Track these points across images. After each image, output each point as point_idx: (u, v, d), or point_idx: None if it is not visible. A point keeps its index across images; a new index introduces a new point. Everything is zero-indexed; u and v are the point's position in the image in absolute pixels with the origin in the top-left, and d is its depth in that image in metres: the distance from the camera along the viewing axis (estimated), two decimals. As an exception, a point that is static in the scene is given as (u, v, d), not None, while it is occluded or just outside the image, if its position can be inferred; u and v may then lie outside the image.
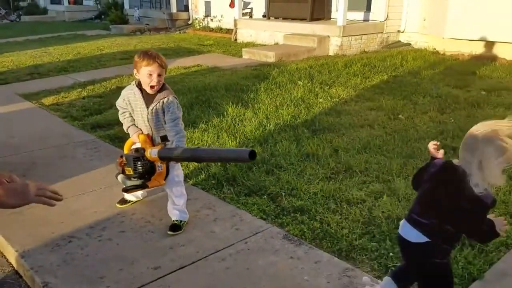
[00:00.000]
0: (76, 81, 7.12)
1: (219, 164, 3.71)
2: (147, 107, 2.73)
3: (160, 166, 2.65)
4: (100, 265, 2.51)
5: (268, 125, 4.65)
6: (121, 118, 2.91)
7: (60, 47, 10.58)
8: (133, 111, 2.82)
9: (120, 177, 2.68)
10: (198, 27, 13.55)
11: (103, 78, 7.12)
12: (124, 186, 2.67)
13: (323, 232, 2.81)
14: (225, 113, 5.01)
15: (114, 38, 12.38)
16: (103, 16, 17.76)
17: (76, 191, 3.42)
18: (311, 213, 3.00)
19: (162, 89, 2.74)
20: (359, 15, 10.04)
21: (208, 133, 4.42)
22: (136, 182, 2.61)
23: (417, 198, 1.99)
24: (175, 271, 2.46)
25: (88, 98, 6.10)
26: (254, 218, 2.97)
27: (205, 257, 2.57)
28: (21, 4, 21.91)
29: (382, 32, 9.78)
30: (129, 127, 2.85)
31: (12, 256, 2.65)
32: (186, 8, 14.60)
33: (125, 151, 2.84)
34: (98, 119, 5.11)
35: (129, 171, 2.60)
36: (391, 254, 2.57)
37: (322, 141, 4.20)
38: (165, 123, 2.75)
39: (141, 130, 2.83)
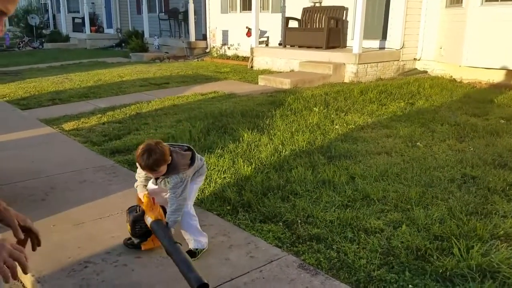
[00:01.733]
0: (97, 107, 7.27)
1: (235, 189, 3.71)
2: (156, 180, 2.81)
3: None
4: (115, 292, 2.49)
5: (283, 151, 4.66)
6: (136, 174, 2.96)
7: (81, 74, 10.87)
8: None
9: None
10: (215, 55, 13.82)
11: (123, 105, 7.27)
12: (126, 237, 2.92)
13: (340, 262, 2.75)
14: (240, 138, 5.04)
15: (134, 65, 12.68)
16: (123, 44, 18.25)
17: (94, 215, 3.44)
18: (328, 242, 2.96)
19: (169, 166, 2.70)
20: (375, 43, 10.13)
21: (224, 158, 4.43)
22: (134, 240, 2.88)
23: None
24: (189, 299, 2.43)
25: (107, 124, 6.21)
26: (269, 246, 2.94)
27: (220, 285, 2.54)
28: (44, 31, 22.68)
29: (398, 60, 9.82)
30: (137, 186, 2.93)
31: (28, 281, 2.66)
32: (204, 37, 14.95)
33: (136, 200, 2.94)
34: (117, 144, 5.19)
35: (128, 228, 2.83)
36: (410, 286, 2.50)
37: (338, 168, 4.17)
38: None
39: (146, 190, 2.88)
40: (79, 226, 3.28)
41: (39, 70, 11.95)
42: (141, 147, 2.66)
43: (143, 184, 2.91)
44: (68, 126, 6.20)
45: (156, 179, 2.79)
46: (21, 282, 2.74)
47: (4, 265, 1.21)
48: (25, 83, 9.54)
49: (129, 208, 2.91)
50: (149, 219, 2.71)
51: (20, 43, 19.40)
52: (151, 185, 2.98)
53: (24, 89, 8.90)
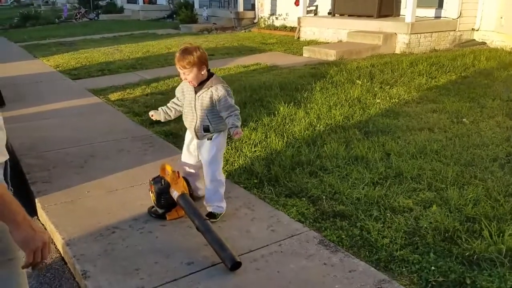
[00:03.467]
0: (142, 78, 7.44)
1: (263, 163, 3.70)
2: (195, 94, 2.86)
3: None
4: (137, 257, 2.59)
5: (318, 125, 4.55)
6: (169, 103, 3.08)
7: (131, 45, 11.12)
8: (184, 99, 2.96)
9: (151, 196, 3.00)
10: (263, 25, 13.62)
11: (167, 76, 7.38)
12: (150, 206, 3.02)
13: (362, 240, 2.69)
14: (276, 112, 4.98)
15: (182, 37, 12.79)
16: (174, 15, 18.40)
17: (127, 183, 3.57)
18: (352, 219, 2.89)
19: (208, 78, 2.84)
20: (430, 12, 9.53)
21: (257, 131, 4.41)
22: (159, 210, 2.95)
23: None
24: (207, 268, 2.48)
25: (151, 95, 6.35)
26: (291, 221, 2.92)
27: (238, 256, 2.56)
28: (100, 3, 23.32)
29: (454, 30, 9.21)
30: (162, 108, 3.06)
31: (59, 243, 2.83)
32: (252, 7, 14.73)
33: (160, 171, 3.04)
34: (157, 115, 5.29)
35: (153, 199, 2.91)
36: (433, 268, 2.40)
37: (373, 144, 4.03)
38: (220, 111, 2.83)
39: (163, 115, 3.02)
40: (111, 193, 3.41)
41: (93, 41, 12.35)
42: (180, 49, 2.84)
43: (167, 109, 3.03)
44: (113, 96, 6.40)
45: (196, 92, 2.83)
46: (54, 243, 2.92)
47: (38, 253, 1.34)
48: (78, 54, 9.92)
49: (153, 179, 2.98)
50: (175, 193, 2.79)
51: (77, 14, 20.09)
52: (185, 157, 3.06)
53: (76, 59, 9.26)
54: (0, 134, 1.38)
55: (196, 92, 2.86)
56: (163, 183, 2.89)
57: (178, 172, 2.92)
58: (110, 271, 2.47)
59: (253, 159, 3.81)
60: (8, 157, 1.41)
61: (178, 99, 3.03)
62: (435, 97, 5.56)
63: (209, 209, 2.99)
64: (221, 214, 2.99)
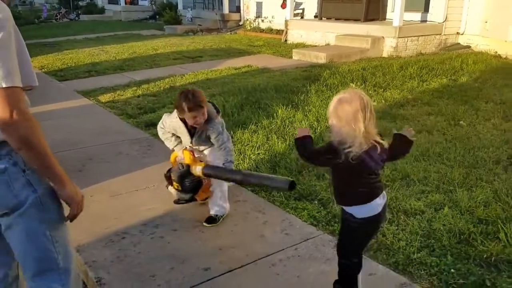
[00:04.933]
0: (132, 79, 7.32)
1: (269, 166, 3.66)
2: (191, 137, 2.83)
3: (205, 179, 2.79)
4: (151, 263, 2.52)
5: (318, 128, 4.54)
6: (163, 137, 2.97)
7: (116, 46, 10.94)
8: (180, 135, 2.91)
9: (170, 188, 2.88)
10: (249, 27, 13.60)
11: (157, 78, 7.27)
12: (175, 198, 2.88)
13: (378, 243, 2.68)
14: (274, 114, 4.95)
15: (168, 38, 12.66)
16: (157, 17, 18.22)
17: (130, 187, 3.48)
18: (365, 222, 2.87)
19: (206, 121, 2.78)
20: (416, 16, 9.68)
21: (258, 134, 4.37)
22: (184, 196, 2.83)
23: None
24: (224, 273, 2.43)
25: (142, 97, 6.24)
26: (304, 224, 2.89)
27: (255, 261, 2.52)
28: (80, 3, 22.91)
29: (440, 34, 9.38)
30: (175, 146, 2.94)
31: (68, 249, 2.72)
32: (238, 9, 14.71)
33: (172, 161, 2.94)
34: (152, 117, 5.20)
35: (178, 186, 2.80)
36: (452, 270, 2.41)
37: (376, 147, 4.03)
38: (214, 144, 2.85)
39: (185, 146, 2.90)
40: (116, 198, 3.32)
41: (76, 41, 12.10)
42: (180, 93, 2.73)
43: (178, 143, 2.92)
44: (104, 98, 6.27)
45: (192, 135, 2.80)
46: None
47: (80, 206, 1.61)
48: (63, 55, 9.69)
49: (167, 171, 2.87)
50: (198, 168, 2.68)
51: (57, 14, 19.67)
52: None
53: (61, 60, 9.04)
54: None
55: (191, 137, 2.82)
56: (181, 167, 2.78)
57: (191, 151, 2.85)
58: (125, 278, 2.39)
59: (258, 162, 3.77)
60: None
61: (172, 132, 2.90)
62: (429, 100, 5.63)
63: (212, 212, 2.94)
64: (222, 216, 2.95)
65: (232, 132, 4.43)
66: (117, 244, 2.70)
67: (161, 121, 2.94)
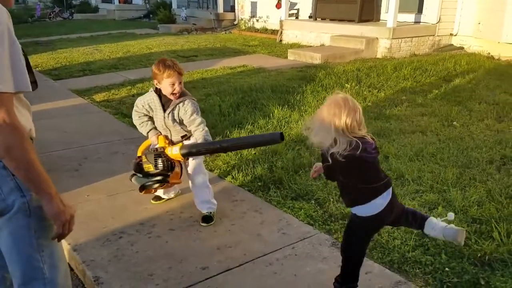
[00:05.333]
0: (126, 78, 7.30)
1: (266, 166, 3.68)
2: (164, 111, 2.81)
3: (177, 166, 2.78)
4: (149, 262, 2.53)
5: (315, 128, 4.57)
6: (138, 122, 2.95)
7: (110, 45, 10.89)
8: (154, 114, 2.89)
9: (134, 178, 2.83)
10: (243, 27, 13.61)
11: (152, 77, 7.24)
12: (140, 186, 2.80)
13: (373, 242, 2.70)
14: (271, 114, 4.98)
15: (162, 37, 12.63)
16: (151, 15, 18.17)
17: (126, 187, 3.47)
18: (361, 221, 2.91)
19: (180, 95, 2.81)
20: (409, 17, 9.75)
21: (254, 134, 4.39)
22: (157, 178, 2.74)
23: None
24: (222, 272, 2.45)
25: (137, 96, 6.19)
26: (301, 223, 2.92)
27: (252, 260, 2.55)
28: (74, 2, 22.78)
29: (433, 35, 9.45)
30: (150, 130, 2.92)
31: (64, 249, 2.72)
32: (232, 9, 14.70)
33: (139, 153, 2.93)
34: (147, 116, 5.19)
35: (149, 167, 2.74)
36: (447, 268, 2.44)
37: (371, 147, 4.07)
38: (186, 126, 2.84)
39: (160, 132, 2.90)
40: (112, 197, 3.32)
41: (70, 40, 12.03)
42: (158, 61, 2.76)
43: (153, 127, 2.90)
44: (99, 97, 6.26)
45: (165, 110, 2.78)
46: (59, 250, 2.81)
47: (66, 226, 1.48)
48: (57, 54, 9.64)
49: (136, 159, 2.84)
50: (175, 148, 2.70)
51: (51, 13, 19.52)
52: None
53: (55, 59, 9.00)
54: (28, 113, 1.54)
55: (164, 110, 2.81)
56: (154, 149, 2.81)
57: (165, 136, 2.87)
58: (123, 277, 2.40)
59: (254, 162, 3.78)
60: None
61: (146, 112, 2.88)
62: (422, 101, 5.69)
63: (204, 211, 2.95)
64: (214, 212, 2.96)
65: (228, 132, 4.46)
66: (114, 244, 2.71)
67: (135, 105, 2.92)
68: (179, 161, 2.79)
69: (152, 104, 2.83)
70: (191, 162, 2.94)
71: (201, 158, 2.95)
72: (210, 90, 6.15)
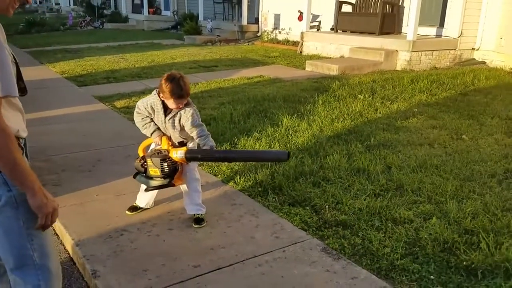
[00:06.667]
0: (147, 87, 7.55)
1: (268, 172, 3.79)
2: (165, 116, 2.89)
3: (180, 165, 2.86)
4: (145, 259, 2.67)
5: (321, 137, 4.66)
6: (141, 124, 2.98)
7: (136, 55, 11.27)
8: (154, 116, 2.96)
9: (139, 178, 2.93)
10: (266, 39, 13.82)
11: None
12: (146, 187, 2.91)
13: (364, 249, 2.77)
14: (280, 123, 5.09)
15: (186, 48, 12.96)
16: (179, 27, 18.62)
17: (134, 188, 3.61)
18: (354, 229, 2.98)
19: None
20: (431, 31, 9.72)
21: (261, 142, 4.51)
22: (163, 181, 2.84)
23: None
24: (213, 271, 2.56)
25: (155, 103, 6.44)
26: (295, 228, 3.00)
27: (243, 261, 2.65)
28: (105, 12, 23.57)
29: (455, 49, 9.38)
30: (154, 131, 2.97)
31: (69, 244, 2.90)
32: (256, 21, 14.96)
33: (140, 152, 3.03)
34: (162, 123, 5.39)
35: (155, 172, 2.83)
36: (432, 277, 2.48)
37: (375, 157, 4.13)
38: (188, 132, 2.92)
39: (163, 133, 2.97)
40: (119, 197, 3.49)
41: (98, 49, 12.50)
42: (169, 78, 2.75)
43: (157, 127, 2.95)
44: (119, 103, 6.51)
45: (166, 116, 2.86)
46: (63, 245, 2.99)
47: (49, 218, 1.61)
48: (84, 61, 10.06)
49: (140, 159, 2.93)
50: (180, 152, 2.77)
51: (82, 22, 20.30)
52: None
53: (82, 66, 9.39)
54: (20, 115, 1.65)
55: (166, 116, 2.87)
56: (158, 152, 2.84)
57: (168, 137, 2.95)
58: (119, 272, 2.54)
59: (257, 168, 3.89)
60: (27, 133, 1.69)
61: (148, 114, 2.93)
62: (435, 114, 5.68)
63: (193, 213, 3.05)
64: (203, 214, 3.06)
65: (236, 139, 4.59)
66: (115, 240, 2.86)
67: (136, 107, 2.97)
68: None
69: (154, 106, 2.91)
70: (195, 165, 3.07)
71: (196, 163, 3.07)
72: (224, 99, 6.32)
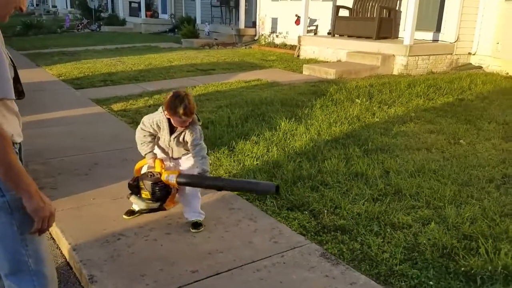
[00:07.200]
0: (145, 90, 7.53)
1: (266, 176, 3.77)
2: (170, 135, 2.91)
3: (173, 188, 2.88)
4: (143, 264, 2.64)
5: (319, 141, 4.65)
6: (140, 141, 2.97)
7: (133, 57, 11.25)
8: (160, 133, 2.96)
9: (133, 198, 2.94)
10: (263, 42, 13.84)
11: (169, 89, 7.43)
12: (138, 208, 2.94)
13: (363, 254, 2.76)
14: (277, 127, 5.08)
15: (184, 51, 12.96)
16: (176, 30, 18.61)
17: (130, 192, 3.63)
18: (353, 234, 2.96)
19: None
20: (428, 35, 9.75)
21: (259, 145, 4.50)
22: (154, 205, 2.88)
23: None
24: (211, 276, 2.54)
25: (153, 107, 6.41)
26: (293, 233, 2.99)
27: (241, 266, 2.63)
28: (102, 15, 23.54)
29: (451, 54, 9.42)
30: (148, 152, 2.97)
31: (65, 248, 2.87)
32: (253, 25, 14.99)
33: (135, 173, 3.04)
34: (159, 126, 5.37)
35: (146, 195, 2.86)
36: (431, 282, 2.47)
37: (373, 161, 4.13)
38: (190, 149, 2.94)
39: (156, 156, 2.98)
40: (116, 201, 3.47)
41: (95, 51, 12.47)
42: (174, 95, 2.75)
43: (152, 150, 2.97)
44: (116, 106, 6.48)
45: (171, 134, 2.87)
46: (59, 249, 2.97)
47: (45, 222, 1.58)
48: (81, 64, 10.02)
49: (133, 180, 2.93)
50: (172, 176, 2.79)
51: (79, 25, 20.26)
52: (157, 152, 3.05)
53: (79, 69, 9.36)
54: (17, 119, 1.63)
55: (171, 134, 2.89)
56: (150, 175, 2.85)
57: (161, 159, 2.96)
58: (116, 276, 2.52)
59: (255, 172, 3.88)
60: (22, 138, 1.67)
61: (153, 131, 2.93)
62: (432, 118, 5.69)
63: (194, 218, 3.04)
64: (202, 220, 3.06)
65: (234, 143, 4.58)
66: (112, 245, 2.83)
67: (141, 123, 2.97)
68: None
69: (160, 123, 2.91)
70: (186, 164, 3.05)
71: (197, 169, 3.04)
72: (222, 103, 6.31)
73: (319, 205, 3.31)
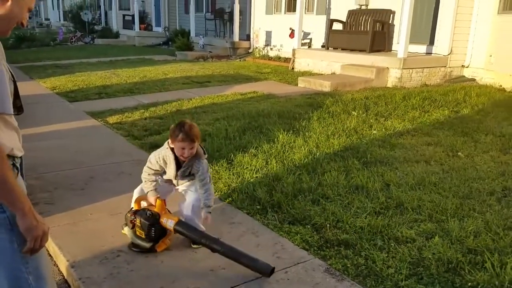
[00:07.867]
0: (140, 102, 7.49)
1: (266, 190, 3.73)
2: (177, 170, 2.88)
3: (168, 230, 2.83)
4: (142, 281, 2.58)
5: (317, 154, 4.63)
6: (145, 179, 2.95)
7: (128, 70, 11.22)
8: (167, 168, 2.94)
9: (127, 231, 2.91)
10: (257, 55, 13.90)
11: (165, 101, 7.44)
12: (131, 241, 2.88)
13: (368, 269, 2.71)
14: (275, 139, 5.05)
15: (178, 63, 12.96)
16: (170, 42, 18.67)
17: (128, 207, 3.54)
18: (356, 248, 2.92)
19: (194, 156, 2.85)
20: (421, 48, 9.84)
21: (258, 158, 4.46)
22: (145, 245, 2.82)
23: None
24: (213, 294, 2.48)
25: (149, 119, 6.39)
26: (296, 248, 2.94)
27: (244, 282, 2.57)
28: (96, 27, 23.55)
29: (445, 66, 9.51)
30: (150, 191, 2.93)
31: (63, 265, 2.80)
32: (247, 38, 15.07)
33: (134, 205, 2.99)
34: (157, 139, 5.31)
35: (141, 234, 2.81)
36: (438, 298, 2.43)
37: (373, 174, 4.10)
38: (196, 182, 2.93)
39: (159, 195, 2.92)
40: (114, 216, 3.40)
41: (89, 64, 12.43)
42: (178, 124, 2.78)
43: (155, 188, 2.94)
44: (112, 119, 6.42)
45: (178, 168, 2.85)
46: (57, 266, 2.88)
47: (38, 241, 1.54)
48: (75, 77, 9.97)
49: (131, 214, 2.89)
50: (170, 222, 2.75)
51: (73, 38, 20.26)
52: (161, 184, 3.01)
53: (73, 82, 9.30)
54: (16, 134, 1.61)
55: (178, 169, 2.87)
56: (149, 214, 2.80)
57: (164, 200, 2.92)
58: (116, 295, 2.44)
59: (255, 185, 3.84)
60: (23, 152, 1.65)
61: (159, 168, 2.91)
62: (429, 131, 5.70)
63: None
64: None
65: (232, 155, 4.54)
66: (111, 262, 2.76)
67: (148, 161, 2.95)
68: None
69: (167, 159, 2.88)
70: (190, 194, 3.01)
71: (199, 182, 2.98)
72: (219, 115, 6.28)
73: (321, 218, 3.27)
